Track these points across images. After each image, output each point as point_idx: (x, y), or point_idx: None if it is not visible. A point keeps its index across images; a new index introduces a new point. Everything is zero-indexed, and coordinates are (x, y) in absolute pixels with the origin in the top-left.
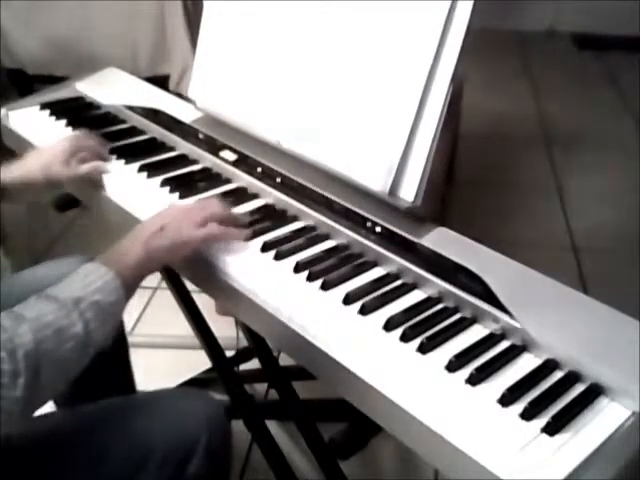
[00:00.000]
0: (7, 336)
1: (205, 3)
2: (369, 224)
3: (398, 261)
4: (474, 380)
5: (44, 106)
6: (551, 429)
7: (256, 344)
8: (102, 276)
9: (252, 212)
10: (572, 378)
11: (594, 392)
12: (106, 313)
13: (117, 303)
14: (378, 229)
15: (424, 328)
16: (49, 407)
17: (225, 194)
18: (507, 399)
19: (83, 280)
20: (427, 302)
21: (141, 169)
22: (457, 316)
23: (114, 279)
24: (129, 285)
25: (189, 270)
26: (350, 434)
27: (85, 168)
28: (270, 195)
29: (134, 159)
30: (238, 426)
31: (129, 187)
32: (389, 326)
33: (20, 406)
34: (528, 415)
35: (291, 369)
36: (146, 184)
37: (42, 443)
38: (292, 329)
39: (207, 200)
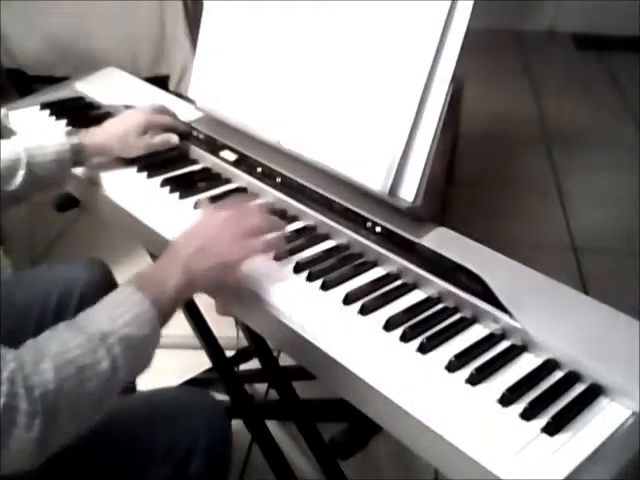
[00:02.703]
0: (27, 372)
1: (205, 3)
2: (369, 224)
3: (398, 261)
4: (474, 380)
5: (44, 106)
6: (551, 429)
7: (256, 344)
8: (136, 305)
9: None
10: (572, 378)
11: (594, 392)
12: (136, 348)
13: (150, 337)
14: (378, 229)
15: (424, 328)
16: None
17: (225, 194)
18: (507, 399)
19: (115, 309)
20: (427, 302)
21: (141, 169)
22: (457, 316)
23: (149, 310)
24: (165, 314)
25: None
26: (350, 434)
27: (157, 140)
28: (270, 195)
29: (134, 159)
30: (238, 426)
31: (129, 187)
32: (389, 326)
33: (36, 446)
34: (528, 415)
35: (291, 369)
36: (146, 184)
37: None
38: (292, 329)
39: (245, 210)
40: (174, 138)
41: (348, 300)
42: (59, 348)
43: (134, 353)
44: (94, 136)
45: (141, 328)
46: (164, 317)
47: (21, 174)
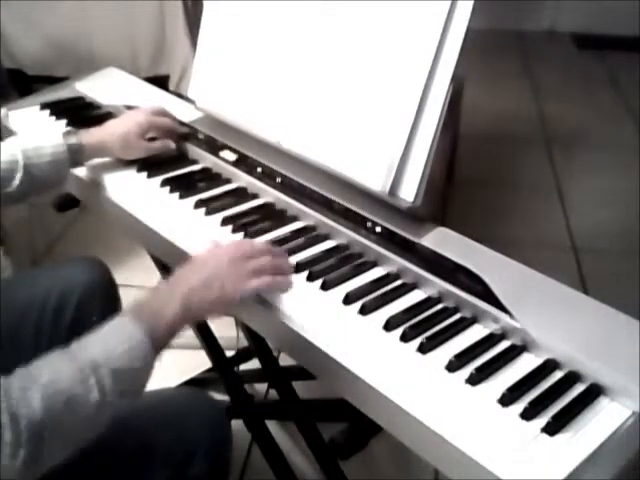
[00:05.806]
0: (14, 402)
1: (205, 3)
2: (369, 224)
3: (398, 261)
4: (474, 380)
5: (44, 106)
6: (551, 429)
7: (256, 344)
8: (130, 336)
9: (252, 212)
10: (572, 378)
11: (594, 392)
12: (127, 380)
13: (142, 370)
14: (378, 229)
15: (424, 328)
16: None
17: (225, 194)
18: (507, 399)
19: (110, 340)
20: (427, 302)
21: (141, 169)
22: (457, 316)
23: (143, 341)
24: (160, 344)
25: None
26: (350, 434)
27: (157, 144)
28: (270, 195)
29: (134, 159)
30: (238, 426)
31: (129, 187)
32: (389, 326)
33: (22, 475)
34: (528, 415)
35: (291, 369)
36: (146, 184)
37: None
38: (292, 329)
39: (258, 247)
40: (172, 145)
41: (348, 300)
42: (50, 377)
43: (125, 385)
44: (94, 136)
45: (133, 360)
46: (159, 347)
47: (19, 176)
